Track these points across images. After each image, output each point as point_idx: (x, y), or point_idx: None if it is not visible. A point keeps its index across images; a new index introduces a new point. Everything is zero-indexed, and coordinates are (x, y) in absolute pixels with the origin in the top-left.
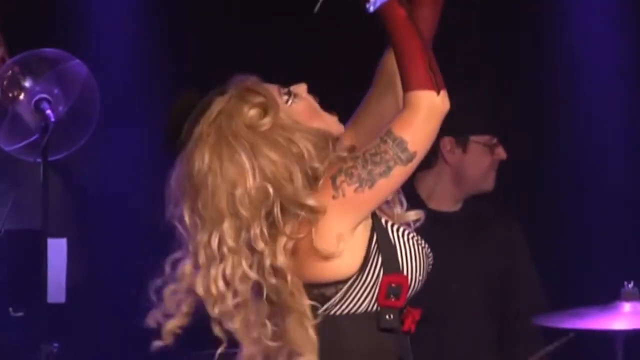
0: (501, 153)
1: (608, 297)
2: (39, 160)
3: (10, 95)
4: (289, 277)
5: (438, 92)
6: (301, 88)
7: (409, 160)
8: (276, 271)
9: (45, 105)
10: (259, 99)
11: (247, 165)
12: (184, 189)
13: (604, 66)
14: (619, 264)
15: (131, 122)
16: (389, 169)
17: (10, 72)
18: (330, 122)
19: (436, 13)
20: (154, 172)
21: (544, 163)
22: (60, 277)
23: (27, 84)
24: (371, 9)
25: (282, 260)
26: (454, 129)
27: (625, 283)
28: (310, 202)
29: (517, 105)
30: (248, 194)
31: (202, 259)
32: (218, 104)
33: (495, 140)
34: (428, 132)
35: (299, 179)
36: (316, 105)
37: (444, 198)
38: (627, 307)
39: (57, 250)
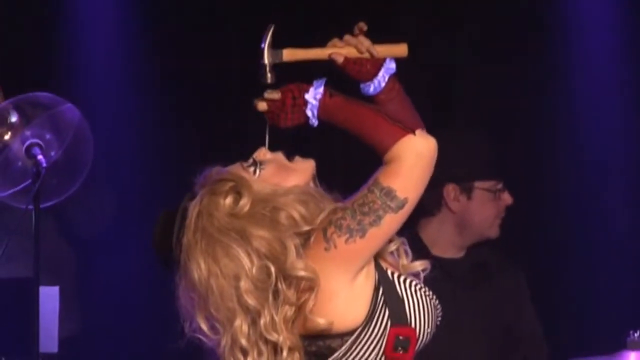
0: (507, 198)
1: (613, 346)
2: (30, 207)
3: None
4: (296, 354)
5: (414, 132)
6: (262, 152)
7: (400, 207)
8: (291, 350)
9: (36, 150)
10: (229, 185)
11: (242, 253)
12: (193, 302)
13: (608, 108)
14: (625, 312)
15: (124, 168)
16: (379, 217)
17: None
18: (301, 169)
19: (403, 101)
20: (148, 218)
21: (546, 207)
22: (52, 326)
23: (13, 119)
24: (315, 122)
25: (294, 340)
26: (457, 175)
27: (631, 332)
28: (302, 273)
29: (517, 149)
30: (251, 279)
31: None
32: (194, 209)
33: (500, 186)
34: (418, 175)
35: (292, 249)
36: (283, 161)
37: (448, 245)
38: (633, 356)
39: (49, 298)
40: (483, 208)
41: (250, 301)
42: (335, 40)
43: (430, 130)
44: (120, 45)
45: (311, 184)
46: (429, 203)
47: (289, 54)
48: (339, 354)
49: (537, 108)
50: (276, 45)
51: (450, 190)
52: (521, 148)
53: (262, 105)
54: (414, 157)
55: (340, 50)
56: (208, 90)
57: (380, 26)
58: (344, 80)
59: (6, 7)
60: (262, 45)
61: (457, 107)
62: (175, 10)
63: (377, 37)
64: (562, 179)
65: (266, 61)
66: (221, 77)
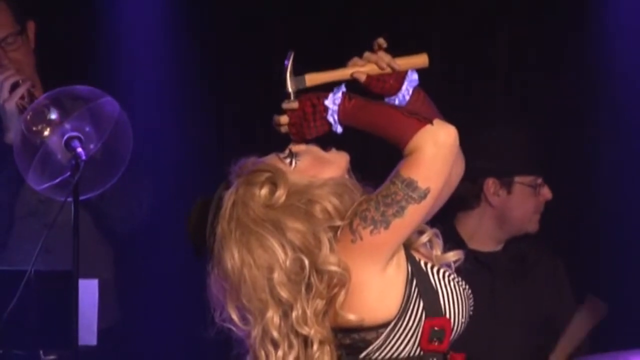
0: (547, 193)
1: None
2: (69, 199)
3: (35, 129)
4: (326, 347)
5: (431, 122)
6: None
7: (422, 197)
8: (321, 344)
9: (76, 143)
10: (265, 176)
11: (276, 244)
12: (225, 291)
13: None
14: None
15: (161, 161)
16: (402, 208)
17: (36, 106)
18: (336, 161)
19: (429, 108)
20: (184, 210)
21: (585, 199)
22: (91, 319)
23: (53, 116)
24: (338, 128)
25: (325, 334)
26: (497, 170)
27: None
28: (334, 268)
29: (558, 143)
30: (285, 272)
31: (261, 355)
32: (229, 198)
33: (540, 181)
34: (439, 165)
35: (326, 243)
36: (319, 153)
37: (486, 239)
38: None
39: (88, 291)
40: (523, 203)
41: (283, 293)
42: (356, 59)
43: (472, 126)
44: (160, 38)
45: (346, 176)
46: (469, 196)
47: (312, 79)
48: (374, 347)
49: (584, 105)
50: (297, 70)
51: (491, 185)
52: (567, 144)
53: (284, 119)
54: (433, 146)
55: (361, 69)
56: (247, 85)
57: (417, 29)
58: (365, 92)
59: (46, 1)
60: (284, 74)
61: (501, 102)
62: (217, 5)
63: (423, 38)
64: (608, 176)
65: (290, 89)
66: (261, 71)
